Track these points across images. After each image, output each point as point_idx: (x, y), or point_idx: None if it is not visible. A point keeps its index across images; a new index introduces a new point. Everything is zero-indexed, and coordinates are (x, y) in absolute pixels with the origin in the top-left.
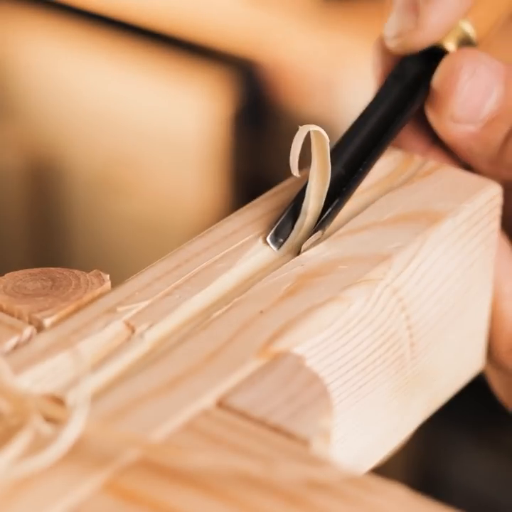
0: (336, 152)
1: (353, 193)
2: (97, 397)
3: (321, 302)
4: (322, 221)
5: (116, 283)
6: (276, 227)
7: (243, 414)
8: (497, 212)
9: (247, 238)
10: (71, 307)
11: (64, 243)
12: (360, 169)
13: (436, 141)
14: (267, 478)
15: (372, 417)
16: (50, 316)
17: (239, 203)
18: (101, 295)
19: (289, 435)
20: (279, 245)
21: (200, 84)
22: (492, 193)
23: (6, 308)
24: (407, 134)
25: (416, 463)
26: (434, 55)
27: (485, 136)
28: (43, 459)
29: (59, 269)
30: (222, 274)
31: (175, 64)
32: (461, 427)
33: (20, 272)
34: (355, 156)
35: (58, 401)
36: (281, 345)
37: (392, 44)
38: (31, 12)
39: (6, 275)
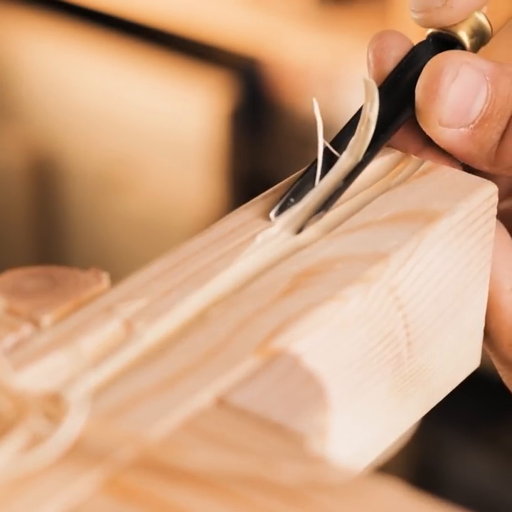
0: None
1: (358, 175)
2: (95, 395)
3: (318, 301)
4: (326, 202)
5: (115, 282)
6: (280, 204)
7: (241, 412)
8: (493, 211)
9: (246, 237)
10: (70, 305)
11: (64, 242)
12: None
13: (429, 141)
14: (266, 477)
15: (369, 415)
16: (49, 314)
17: (239, 203)
18: (100, 293)
19: (286, 433)
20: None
21: (200, 83)
22: (488, 192)
23: (5, 306)
24: (401, 134)
25: (414, 460)
26: (445, 42)
27: (478, 137)
28: (42, 457)
29: (58, 268)
30: (220, 272)
31: (175, 64)
32: (459, 425)
33: (20, 270)
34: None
35: (57, 399)
36: (278, 344)
37: (416, 17)
38: (31, 12)
39: (6, 273)
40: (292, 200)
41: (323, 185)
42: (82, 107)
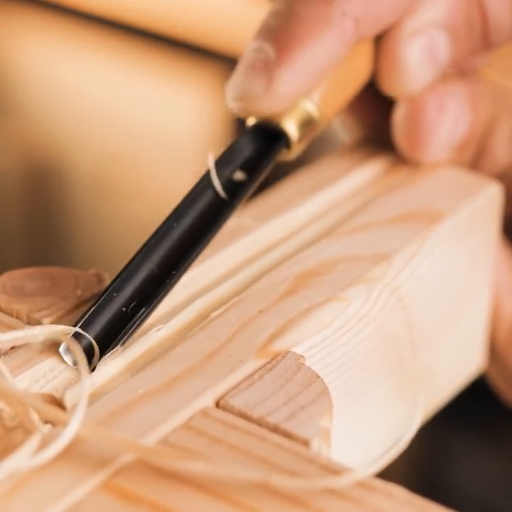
0: (149, 249)
1: (162, 299)
2: (95, 397)
3: (320, 302)
4: (124, 334)
5: None
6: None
7: (242, 415)
8: (497, 211)
9: None
10: (70, 307)
11: (63, 243)
12: (174, 272)
13: (391, 112)
14: (267, 482)
15: (371, 417)
16: (48, 315)
17: None
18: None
19: (288, 435)
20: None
21: (199, 84)
22: (492, 192)
23: (4, 307)
24: (361, 105)
25: (416, 464)
26: (270, 135)
27: (458, 159)
28: (40, 459)
29: (58, 269)
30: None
31: (174, 64)
32: (462, 429)
33: (19, 271)
34: (170, 255)
35: (56, 401)
36: (280, 345)
37: (234, 106)
38: (31, 12)
39: (5, 274)
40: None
41: None
42: (81, 107)
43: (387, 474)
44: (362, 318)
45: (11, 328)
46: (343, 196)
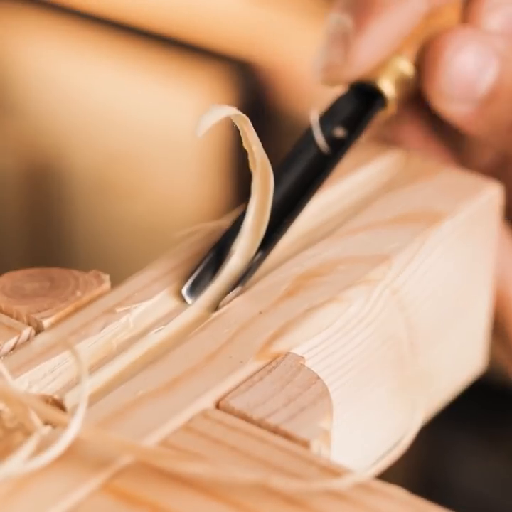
0: None
1: (277, 243)
2: (95, 398)
3: (321, 303)
4: (244, 276)
5: (115, 283)
6: (193, 278)
7: (242, 416)
8: (496, 212)
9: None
10: (70, 308)
11: (63, 243)
12: (285, 220)
13: (433, 134)
14: (267, 483)
15: (371, 418)
16: (48, 316)
17: (238, 203)
18: (100, 296)
19: (288, 437)
20: (195, 299)
21: (199, 83)
22: (491, 193)
23: (4, 308)
24: (403, 126)
25: (417, 465)
26: (368, 94)
27: (489, 115)
28: (41, 461)
29: (58, 270)
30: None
31: (174, 64)
32: (462, 429)
33: (19, 272)
34: (283, 201)
35: (57, 403)
36: (280, 346)
37: (319, 77)
38: (31, 12)
39: (5, 275)
40: (207, 272)
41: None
42: (81, 107)
43: (387, 475)
44: (362, 320)
45: (10, 329)
46: (343, 197)
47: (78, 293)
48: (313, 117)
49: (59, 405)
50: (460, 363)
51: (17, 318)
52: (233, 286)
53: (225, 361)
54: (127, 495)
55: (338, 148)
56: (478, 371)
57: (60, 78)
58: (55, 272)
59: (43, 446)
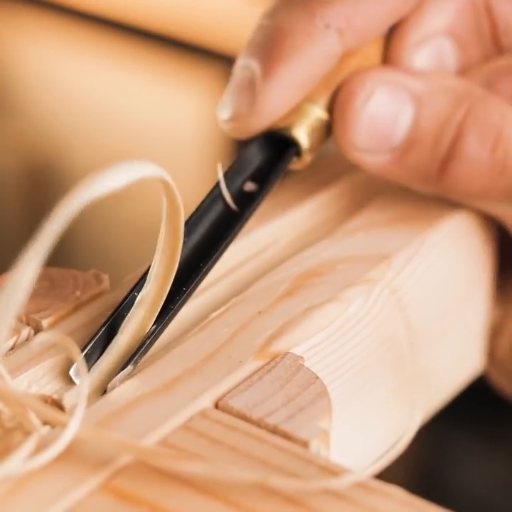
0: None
1: (174, 315)
2: (94, 398)
3: (320, 302)
4: (134, 354)
5: (115, 283)
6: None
7: (241, 416)
8: None
9: None
10: (69, 308)
11: (62, 243)
12: (184, 289)
13: None
14: (266, 483)
15: (370, 418)
16: (47, 316)
17: None
18: (99, 295)
19: (287, 436)
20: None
21: (199, 83)
22: None
23: None
24: None
25: (416, 465)
26: (281, 143)
27: (408, 163)
28: (40, 461)
29: (57, 270)
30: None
31: (174, 63)
32: (462, 429)
33: None
34: (184, 265)
35: (55, 402)
36: (279, 346)
37: (226, 128)
38: (31, 12)
39: (4, 275)
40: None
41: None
42: (81, 107)
43: (386, 474)
44: (361, 319)
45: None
46: (342, 197)
47: (77, 293)
48: (220, 173)
49: (58, 405)
50: (459, 362)
51: (16, 318)
52: (123, 366)
53: (224, 361)
54: (126, 494)
55: (247, 203)
56: (477, 371)
57: (60, 78)
58: (54, 271)
59: (42, 446)
